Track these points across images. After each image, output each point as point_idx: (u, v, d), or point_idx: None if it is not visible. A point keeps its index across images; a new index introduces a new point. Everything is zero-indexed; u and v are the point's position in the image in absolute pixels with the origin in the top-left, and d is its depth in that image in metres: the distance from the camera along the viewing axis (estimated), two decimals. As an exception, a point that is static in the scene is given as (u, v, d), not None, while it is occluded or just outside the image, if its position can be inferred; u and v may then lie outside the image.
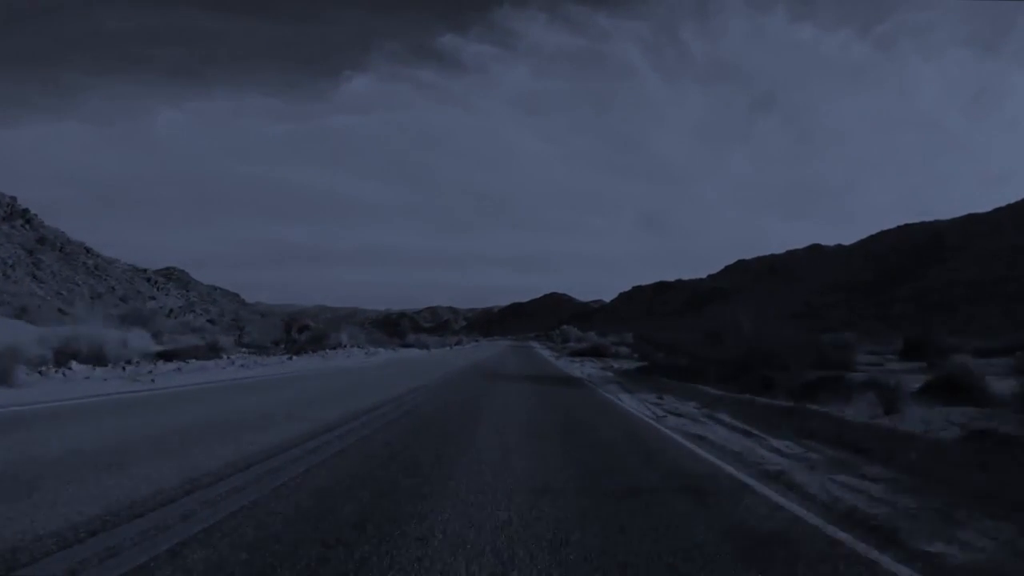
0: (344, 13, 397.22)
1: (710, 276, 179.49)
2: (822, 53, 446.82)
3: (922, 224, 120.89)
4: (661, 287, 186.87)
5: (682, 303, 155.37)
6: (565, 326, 75.08)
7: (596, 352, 43.18)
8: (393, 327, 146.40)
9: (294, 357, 24.70)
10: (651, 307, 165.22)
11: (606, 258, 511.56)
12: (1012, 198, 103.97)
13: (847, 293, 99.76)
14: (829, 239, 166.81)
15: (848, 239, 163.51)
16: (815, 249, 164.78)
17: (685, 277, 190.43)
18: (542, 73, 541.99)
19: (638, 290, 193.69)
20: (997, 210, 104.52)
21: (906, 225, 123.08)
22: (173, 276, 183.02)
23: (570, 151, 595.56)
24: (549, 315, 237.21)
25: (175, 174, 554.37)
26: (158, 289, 35.50)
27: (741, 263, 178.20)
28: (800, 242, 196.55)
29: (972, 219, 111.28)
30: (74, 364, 14.45)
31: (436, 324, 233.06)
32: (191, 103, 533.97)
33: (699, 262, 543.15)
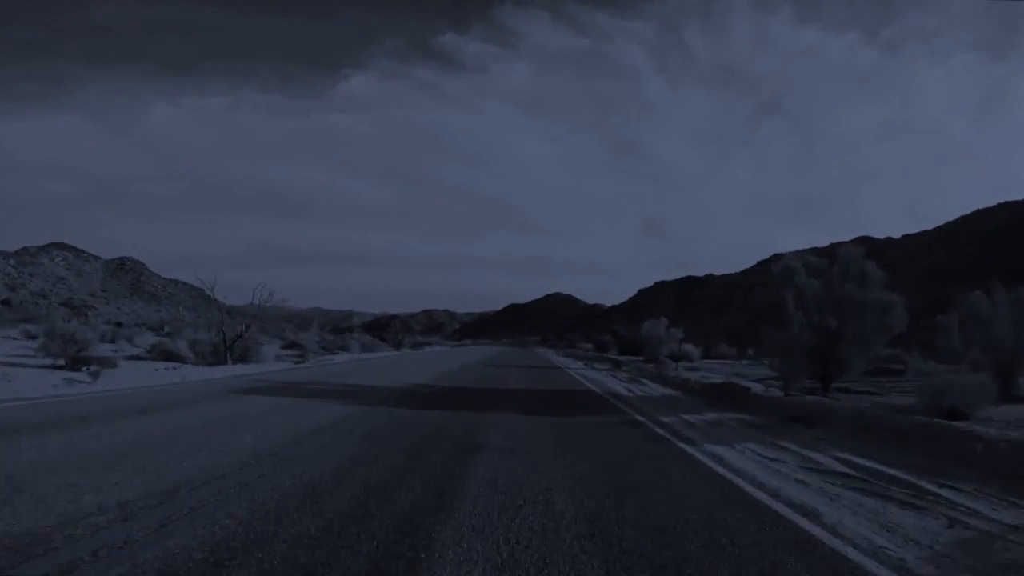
0: (343, 10, 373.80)
1: (744, 271, 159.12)
2: (828, 56, 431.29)
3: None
4: (688, 283, 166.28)
5: (720, 300, 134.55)
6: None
7: None
8: (383, 329, 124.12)
9: None
10: (681, 305, 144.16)
11: (608, 263, 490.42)
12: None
13: (964, 279, 78.89)
14: (835, 240, 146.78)
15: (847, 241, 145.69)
16: (864, 241, 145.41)
17: (700, 274, 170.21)
18: (544, 73, 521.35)
19: (661, 286, 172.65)
20: None
21: (1006, 203, 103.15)
22: (126, 266, 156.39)
23: (571, 153, 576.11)
24: (553, 317, 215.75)
25: (168, 170, 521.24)
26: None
27: (777, 257, 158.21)
28: (804, 245, 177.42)
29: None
30: None
31: (430, 326, 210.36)
32: (187, 98, 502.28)
33: (701, 265, 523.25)
